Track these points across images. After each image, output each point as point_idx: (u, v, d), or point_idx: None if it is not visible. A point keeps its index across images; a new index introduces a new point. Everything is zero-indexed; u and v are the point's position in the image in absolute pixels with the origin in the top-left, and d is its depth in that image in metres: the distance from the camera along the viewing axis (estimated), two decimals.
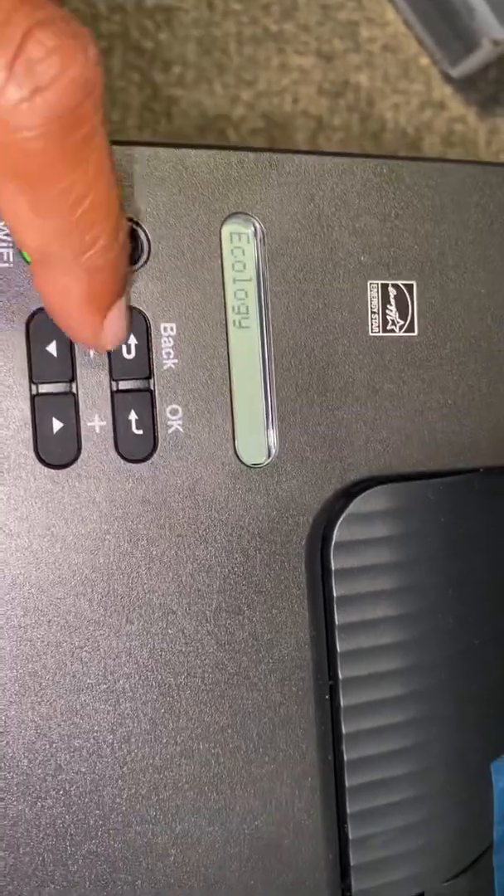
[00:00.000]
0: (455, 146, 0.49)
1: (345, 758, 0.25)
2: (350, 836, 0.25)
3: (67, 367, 0.22)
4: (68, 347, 0.22)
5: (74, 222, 0.18)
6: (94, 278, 0.19)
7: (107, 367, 0.23)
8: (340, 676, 0.25)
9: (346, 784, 0.25)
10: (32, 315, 0.22)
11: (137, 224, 0.23)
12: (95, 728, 0.23)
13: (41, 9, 0.15)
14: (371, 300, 0.25)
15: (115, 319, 0.21)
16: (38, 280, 0.19)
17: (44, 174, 0.17)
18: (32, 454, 0.22)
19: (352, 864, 0.25)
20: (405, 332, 0.26)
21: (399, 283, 0.25)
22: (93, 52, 0.16)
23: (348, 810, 0.25)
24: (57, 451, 0.22)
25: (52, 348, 0.22)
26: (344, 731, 0.25)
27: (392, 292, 0.25)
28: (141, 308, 0.23)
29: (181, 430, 0.23)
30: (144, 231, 0.23)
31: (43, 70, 0.15)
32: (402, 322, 0.26)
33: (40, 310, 0.22)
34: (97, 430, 0.23)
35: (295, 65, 0.47)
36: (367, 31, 0.47)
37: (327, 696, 0.25)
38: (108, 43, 0.43)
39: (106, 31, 0.43)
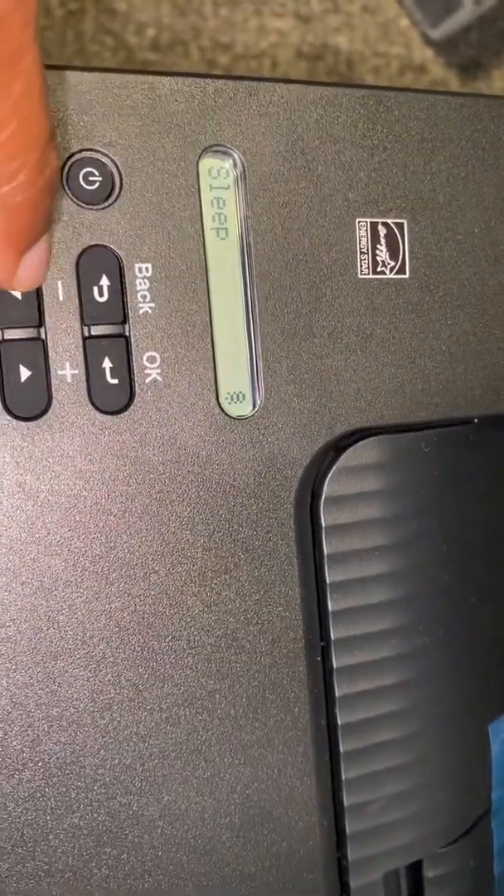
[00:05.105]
0: None
1: (338, 721, 0.23)
2: (345, 803, 0.23)
3: (34, 311, 0.20)
4: (35, 289, 0.20)
5: None
6: (13, 215, 0.17)
7: (77, 311, 0.20)
8: (332, 637, 0.23)
9: (341, 749, 0.23)
10: None
11: (107, 156, 0.20)
12: (75, 696, 0.21)
13: None
14: (360, 239, 0.23)
15: (34, 260, 0.18)
16: None
17: None
18: None
19: (347, 832, 0.23)
20: (396, 273, 0.23)
21: (389, 221, 0.23)
22: None
23: (343, 776, 0.23)
24: (25, 402, 0.20)
25: (16, 290, 0.20)
26: (337, 693, 0.23)
27: (382, 231, 0.23)
28: (112, 247, 0.21)
29: (160, 379, 0.21)
30: (115, 164, 0.20)
31: None
32: (392, 263, 0.23)
33: None
34: (68, 380, 0.20)
35: (273, 27, 0.44)
36: None
37: (319, 658, 0.23)
38: (80, 4, 0.40)
39: None
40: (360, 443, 0.23)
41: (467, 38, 0.47)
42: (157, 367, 0.21)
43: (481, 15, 0.44)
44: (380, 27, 0.47)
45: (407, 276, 0.23)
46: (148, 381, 0.21)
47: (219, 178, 0.22)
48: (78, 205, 0.20)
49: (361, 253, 0.23)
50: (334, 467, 0.23)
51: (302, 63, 0.46)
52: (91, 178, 0.20)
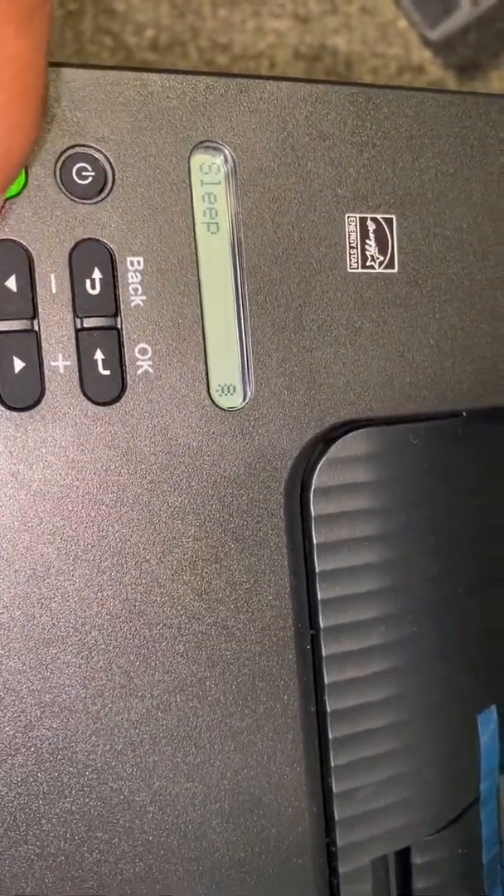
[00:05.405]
0: None
1: (327, 708, 0.23)
2: (334, 790, 0.24)
3: (28, 304, 0.20)
4: (29, 282, 0.20)
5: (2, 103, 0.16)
6: None
7: (70, 303, 0.21)
8: (322, 625, 0.23)
9: (330, 736, 0.23)
10: None
11: (100, 152, 0.21)
12: (67, 682, 0.21)
13: None
14: (349, 234, 0.23)
15: None
16: None
17: None
18: None
19: (336, 818, 0.24)
20: (385, 268, 0.24)
21: (378, 216, 0.24)
22: None
23: (332, 763, 0.24)
24: (19, 393, 0.21)
25: (10, 283, 0.20)
26: (326, 681, 0.23)
27: (371, 226, 0.23)
28: (105, 240, 0.21)
29: (151, 370, 0.22)
30: (108, 159, 0.21)
31: None
32: (381, 258, 0.24)
33: None
34: (61, 371, 0.21)
35: (271, 28, 0.45)
36: None
37: (308, 646, 0.23)
38: (79, 5, 0.41)
39: None
40: (349, 435, 0.23)
41: (465, 38, 0.47)
42: (149, 359, 0.22)
43: (479, 16, 0.44)
44: (378, 28, 0.47)
45: (396, 270, 0.24)
46: (139, 372, 0.21)
47: (210, 173, 0.22)
48: (71, 199, 0.21)
49: (350, 247, 0.23)
50: (323, 459, 0.23)
51: (300, 63, 0.46)
52: (84, 173, 0.21)
